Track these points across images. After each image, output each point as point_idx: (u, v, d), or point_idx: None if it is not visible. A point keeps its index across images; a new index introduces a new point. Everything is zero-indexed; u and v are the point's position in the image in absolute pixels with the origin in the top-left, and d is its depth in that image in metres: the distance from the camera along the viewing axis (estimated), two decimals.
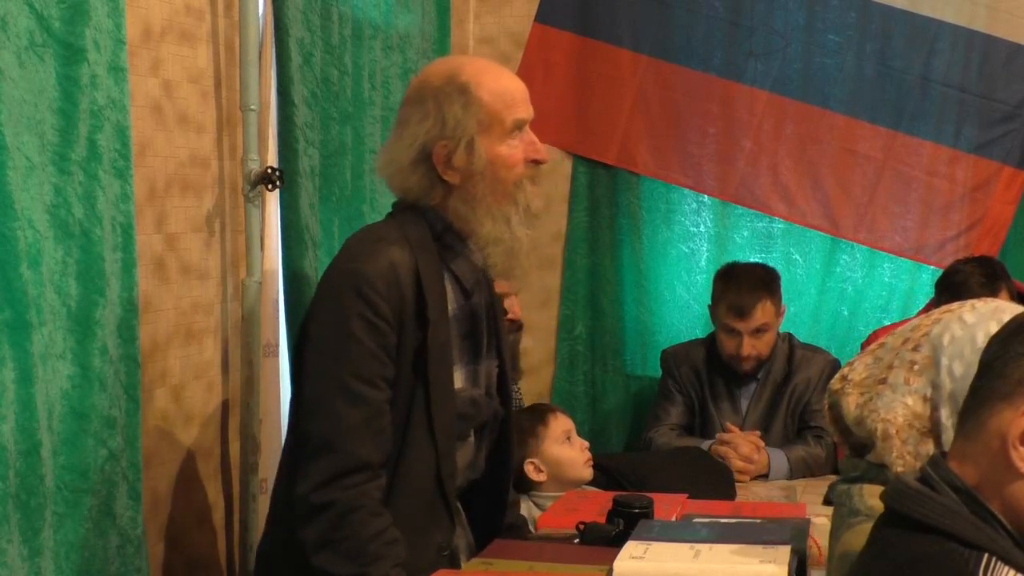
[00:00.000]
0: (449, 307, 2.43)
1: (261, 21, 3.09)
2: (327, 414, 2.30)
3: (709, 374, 4.03)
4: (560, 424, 3.22)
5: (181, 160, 2.90)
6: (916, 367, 1.99)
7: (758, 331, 3.90)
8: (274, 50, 3.03)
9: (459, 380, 2.46)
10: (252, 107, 3.02)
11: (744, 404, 3.98)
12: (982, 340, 1.82)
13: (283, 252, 3.09)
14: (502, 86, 2.43)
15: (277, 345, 3.12)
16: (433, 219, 2.44)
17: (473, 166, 2.39)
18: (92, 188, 2.33)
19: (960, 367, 1.92)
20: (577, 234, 4.52)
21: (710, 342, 4.09)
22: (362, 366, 2.31)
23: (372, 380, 2.31)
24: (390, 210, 2.55)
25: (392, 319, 2.32)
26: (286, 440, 2.51)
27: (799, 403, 3.93)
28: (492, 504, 2.66)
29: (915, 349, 2.01)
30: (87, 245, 2.32)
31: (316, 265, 3.08)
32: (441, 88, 2.41)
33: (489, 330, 2.57)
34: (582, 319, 4.49)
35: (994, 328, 1.76)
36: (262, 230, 3.05)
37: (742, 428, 3.86)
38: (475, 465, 2.59)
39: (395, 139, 2.47)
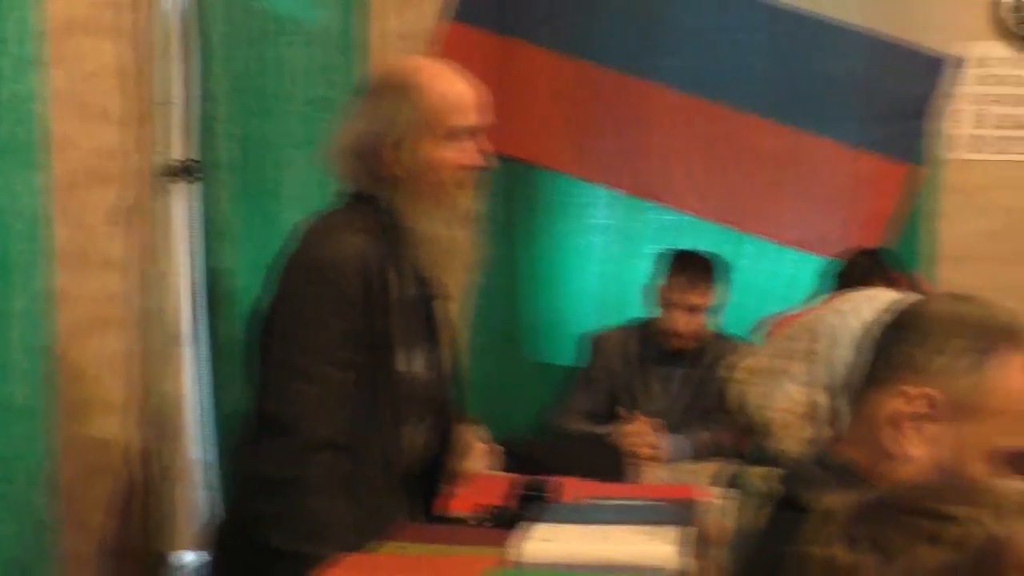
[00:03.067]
0: (406, 294, 2.46)
1: (179, 15, 3.06)
2: (292, 394, 2.33)
3: (637, 359, 4.06)
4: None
5: (97, 152, 2.87)
6: (800, 356, 2.04)
7: (702, 308, 3.98)
8: (195, 44, 3.00)
9: (417, 364, 2.50)
10: (169, 100, 3.00)
11: (669, 390, 4.02)
12: (856, 326, 1.86)
13: (202, 244, 3.07)
14: (452, 91, 2.48)
15: (189, 335, 3.10)
16: (384, 210, 2.48)
17: (413, 165, 2.44)
18: (6, 180, 2.31)
19: (837, 353, 1.96)
20: (490, 227, 4.50)
21: (641, 327, 4.11)
22: (327, 349, 2.34)
23: (337, 362, 2.35)
24: (337, 198, 2.58)
25: (358, 304, 2.36)
26: (247, 422, 2.52)
27: (708, 388, 3.97)
28: (436, 485, 2.68)
29: (803, 340, 2.06)
30: (2, 237, 2.29)
31: (236, 257, 3.07)
32: (395, 86, 2.47)
33: (438, 317, 2.60)
34: (494, 310, 4.48)
35: (867, 314, 1.79)
36: (177, 222, 3.03)
37: (666, 414, 3.90)
38: (431, 447, 2.61)
39: (347, 130, 2.51)
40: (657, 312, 4.05)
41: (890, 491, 1.31)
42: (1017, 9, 4.31)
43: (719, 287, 4.01)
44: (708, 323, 4.03)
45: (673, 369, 4.04)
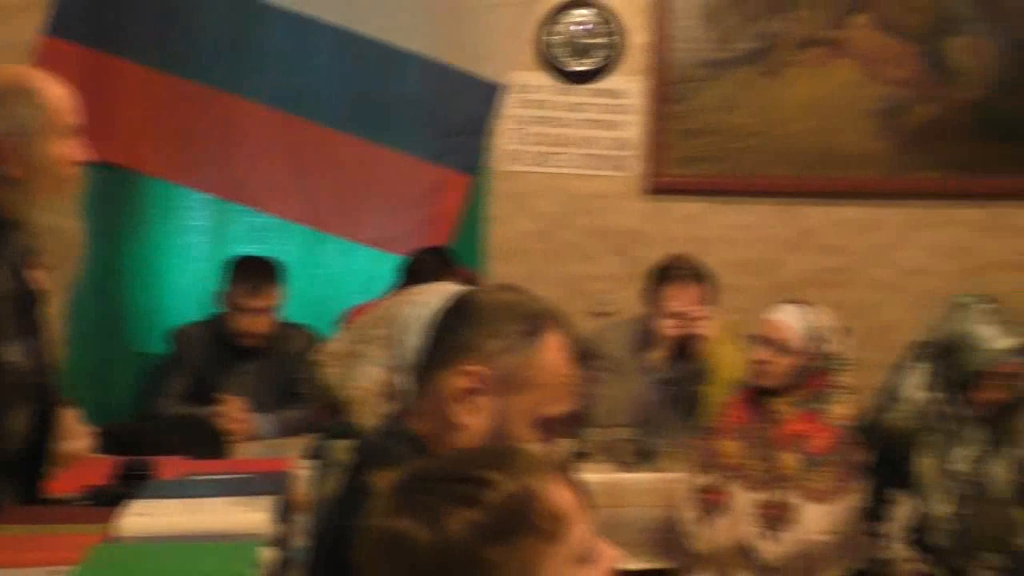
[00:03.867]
0: (3, 288, 2.33)
1: None
2: None
3: (216, 350, 3.99)
4: None
5: None
6: (379, 342, 2.08)
7: (264, 310, 3.93)
8: None
9: (16, 354, 2.37)
10: None
11: (248, 379, 3.97)
12: (424, 314, 1.92)
13: None
14: (61, 93, 2.43)
15: None
16: None
17: (38, 163, 2.35)
18: None
19: (410, 340, 2.02)
20: (94, 227, 4.32)
21: (218, 322, 4.04)
22: None
23: None
24: None
25: None
26: None
27: (288, 372, 3.96)
28: (39, 469, 2.54)
29: (381, 327, 2.11)
30: None
31: None
32: (10, 91, 2.37)
33: (38, 310, 2.48)
34: (97, 303, 4.30)
35: (434, 304, 1.86)
36: None
37: (252, 398, 3.86)
38: (33, 432, 2.47)
39: None
40: (226, 312, 4.00)
41: (433, 462, 1.35)
42: (562, 45, 4.55)
43: (280, 288, 3.99)
44: (274, 319, 4.00)
45: (247, 363, 4.01)
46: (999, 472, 3.06)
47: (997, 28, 4.59)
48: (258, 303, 3.92)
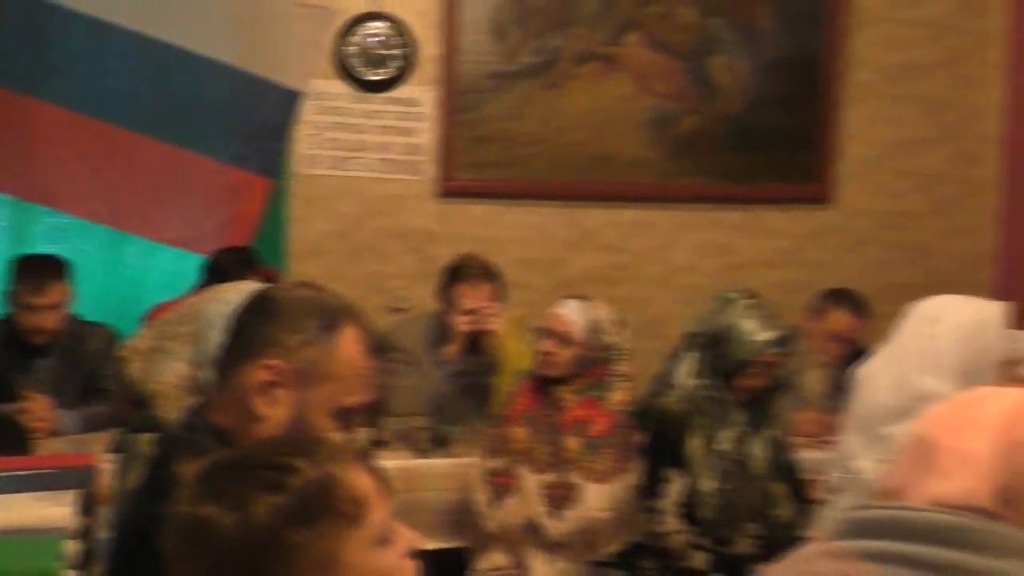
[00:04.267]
0: None
1: None
2: None
3: (8, 349, 3.80)
4: None
5: None
6: (185, 338, 2.04)
7: (52, 307, 3.76)
8: None
9: None
10: None
11: (41, 377, 3.80)
12: (227, 311, 1.89)
13: None
14: None
15: None
16: None
17: None
18: None
19: (212, 336, 1.98)
20: None
21: (9, 321, 3.85)
22: None
23: None
24: None
25: None
26: None
27: (88, 370, 3.82)
28: None
29: (185, 324, 2.06)
30: None
31: None
32: None
33: None
34: None
35: (235, 301, 1.83)
36: None
37: (52, 394, 3.70)
38: None
39: None
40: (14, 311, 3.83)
41: (237, 451, 1.34)
42: (358, 55, 4.53)
43: (66, 285, 3.83)
44: (62, 316, 3.84)
45: (41, 360, 3.84)
46: (758, 451, 3.21)
47: (751, 50, 4.81)
48: (42, 300, 3.75)
